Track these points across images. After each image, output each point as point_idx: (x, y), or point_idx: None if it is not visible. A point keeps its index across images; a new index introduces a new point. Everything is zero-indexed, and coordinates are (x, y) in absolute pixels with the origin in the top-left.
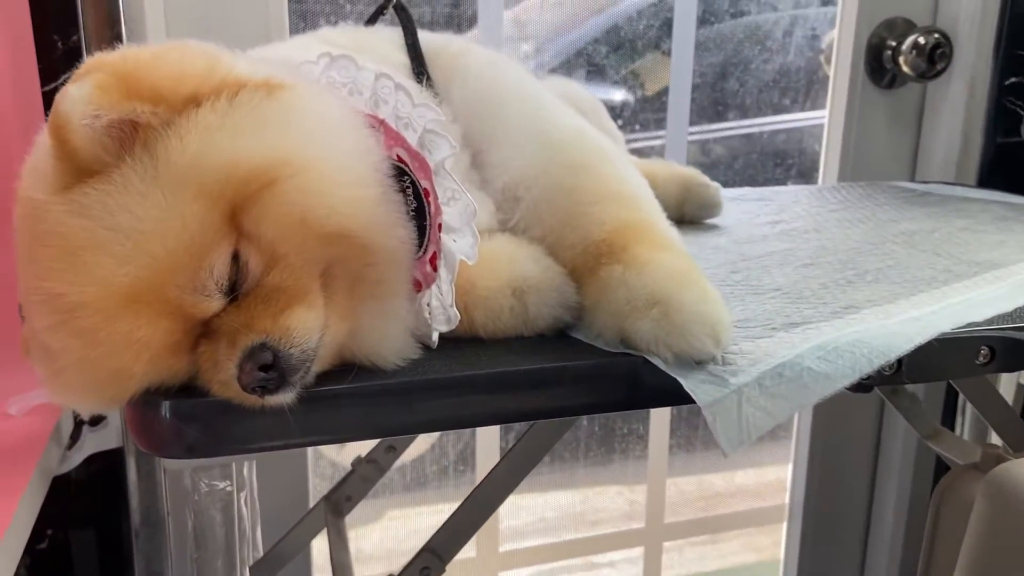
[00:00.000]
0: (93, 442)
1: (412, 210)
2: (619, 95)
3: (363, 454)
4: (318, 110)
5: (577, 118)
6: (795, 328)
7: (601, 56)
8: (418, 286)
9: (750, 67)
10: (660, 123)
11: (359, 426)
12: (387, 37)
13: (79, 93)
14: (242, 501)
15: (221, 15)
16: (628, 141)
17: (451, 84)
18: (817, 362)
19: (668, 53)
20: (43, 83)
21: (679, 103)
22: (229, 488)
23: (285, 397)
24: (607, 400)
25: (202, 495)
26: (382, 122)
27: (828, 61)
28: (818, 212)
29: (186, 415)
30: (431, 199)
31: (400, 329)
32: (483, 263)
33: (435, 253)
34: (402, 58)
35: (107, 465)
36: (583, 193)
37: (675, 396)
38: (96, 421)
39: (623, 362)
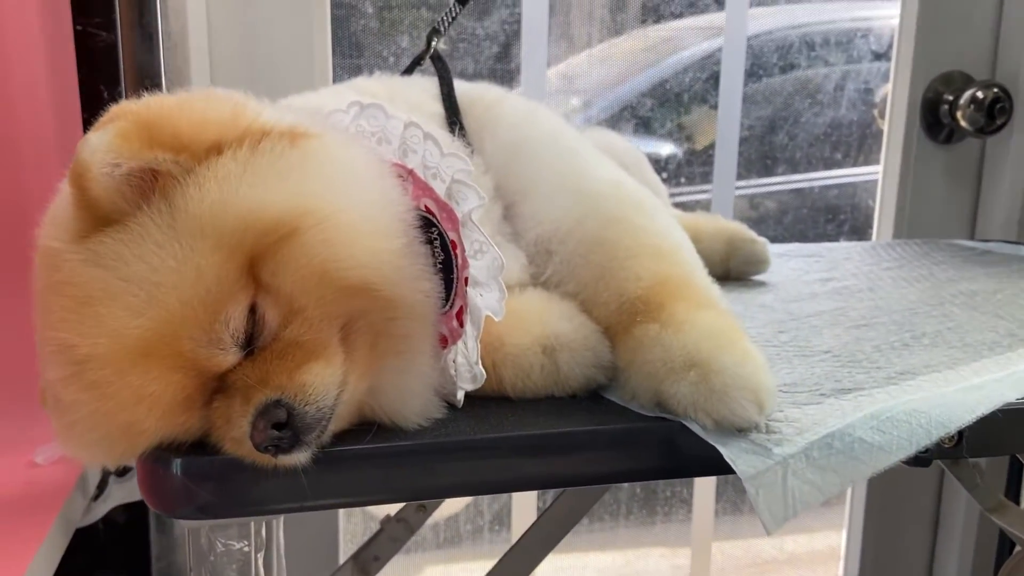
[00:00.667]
0: (119, 493)
1: (439, 263)
2: (666, 149)
3: (392, 512)
4: (342, 160)
5: (615, 169)
6: (846, 394)
7: (647, 110)
8: (444, 342)
9: (800, 121)
10: (707, 177)
11: (377, 489)
12: (422, 87)
13: (100, 141)
14: (260, 562)
15: (267, 67)
16: (674, 195)
17: (484, 134)
18: (870, 433)
19: (715, 107)
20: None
21: (726, 157)
22: (247, 548)
23: (299, 457)
24: (642, 467)
25: (218, 555)
26: (411, 172)
27: (882, 116)
28: (871, 270)
29: (197, 474)
30: (459, 252)
31: (423, 387)
32: (513, 319)
33: (462, 307)
34: (436, 108)
35: (133, 517)
36: (619, 247)
37: (715, 466)
38: (123, 472)
39: (659, 427)
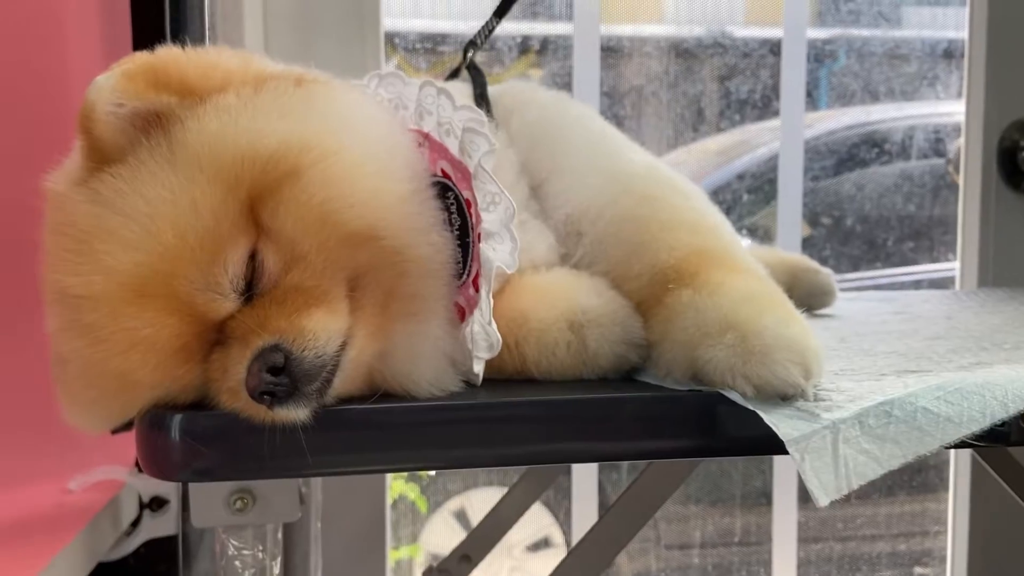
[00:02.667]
0: (151, 528)
1: (456, 228)
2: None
3: (435, 564)
4: (348, 102)
5: (647, 155)
6: (909, 375)
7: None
8: (462, 314)
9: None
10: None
11: (382, 455)
12: (457, 88)
13: (105, 82)
14: None
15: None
16: None
17: (511, 115)
18: (936, 403)
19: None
20: None
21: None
22: None
23: (297, 412)
24: (674, 445)
25: None
26: (427, 136)
27: (956, 169)
28: (950, 308)
29: (197, 432)
30: (473, 210)
31: (437, 352)
32: (538, 294)
33: (478, 272)
34: (466, 102)
35: (163, 552)
36: (652, 222)
37: (757, 441)
38: (159, 505)
39: (693, 397)
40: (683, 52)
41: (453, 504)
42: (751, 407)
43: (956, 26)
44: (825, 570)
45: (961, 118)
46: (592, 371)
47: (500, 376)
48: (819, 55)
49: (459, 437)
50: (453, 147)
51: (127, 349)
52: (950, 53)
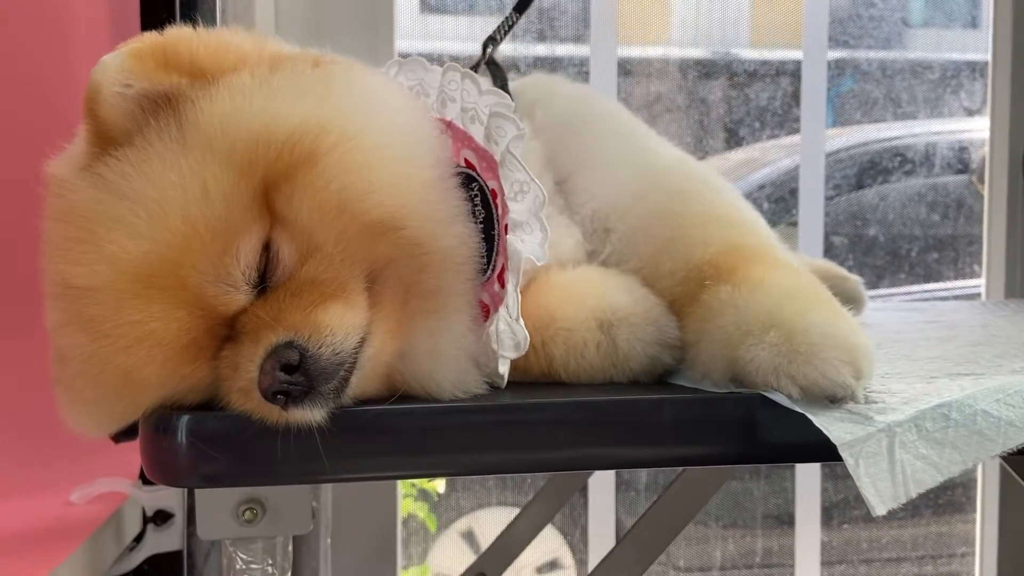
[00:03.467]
0: (155, 543)
1: (480, 220)
2: None
3: None
4: (368, 84)
5: (677, 149)
6: (962, 377)
7: None
8: (486, 311)
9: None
10: None
11: (404, 459)
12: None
13: (112, 61)
14: None
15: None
16: None
17: (535, 107)
18: (996, 406)
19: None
20: None
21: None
22: None
23: (313, 413)
24: (714, 450)
25: None
26: (449, 124)
27: (981, 180)
28: (983, 317)
29: (204, 435)
30: (499, 200)
31: (460, 353)
32: (565, 292)
33: (503, 267)
34: None
35: (167, 568)
36: (685, 217)
37: (804, 446)
38: (163, 519)
39: (735, 399)
40: (688, 72)
41: (461, 524)
42: (798, 409)
43: (962, 48)
44: None
45: (967, 135)
46: (623, 373)
47: (525, 378)
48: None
49: (485, 441)
50: (478, 134)
51: (132, 344)
52: (954, 73)
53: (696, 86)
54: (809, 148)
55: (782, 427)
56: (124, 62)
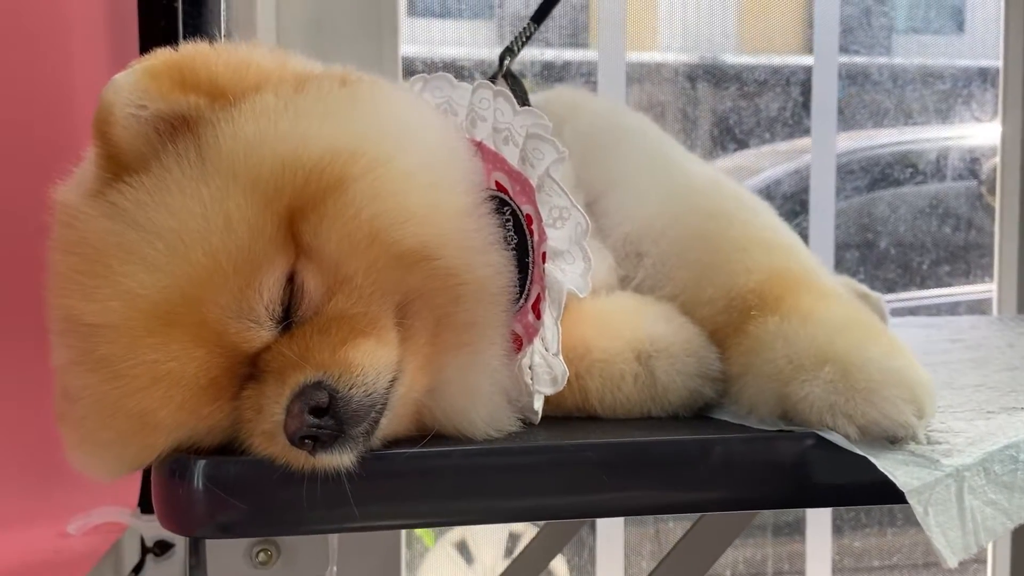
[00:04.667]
0: (156, 574)
1: (513, 247)
2: None
3: None
4: (399, 103)
5: (709, 166)
6: (1019, 412)
7: None
8: (518, 344)
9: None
10: None
11: (439, 505)
12: None
13: (125, 81)
14: None
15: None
16: None
17: (563, 125)
18: None
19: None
20: None
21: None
22: None
23: (342, 458)
24: (767, 494)
25: None
26: (479, 145)
27: (991, 191)
28: (1003, 334)
29: (223, 481)
30: (534, 226)
31: (493, 389)
32: (601, 321)
33: (539, 296)
34: None
35: None
36: (723, 240)
37: (864, 489)
38: (163, 550)
39: (787, 440)
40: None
41: (454, 535)
42: (858, 451)
43: (947, 54)
44: None
45: (959, 143)
46: (661, 407)
47: (558, 412)
48: (805, 84)
49: (527, 486)
50: (512, 156)
51: (148, 385)
52: (938, 78)
53: (689, 91)
54: (820, 154)
55: (838, 469)
56: (138, 81)
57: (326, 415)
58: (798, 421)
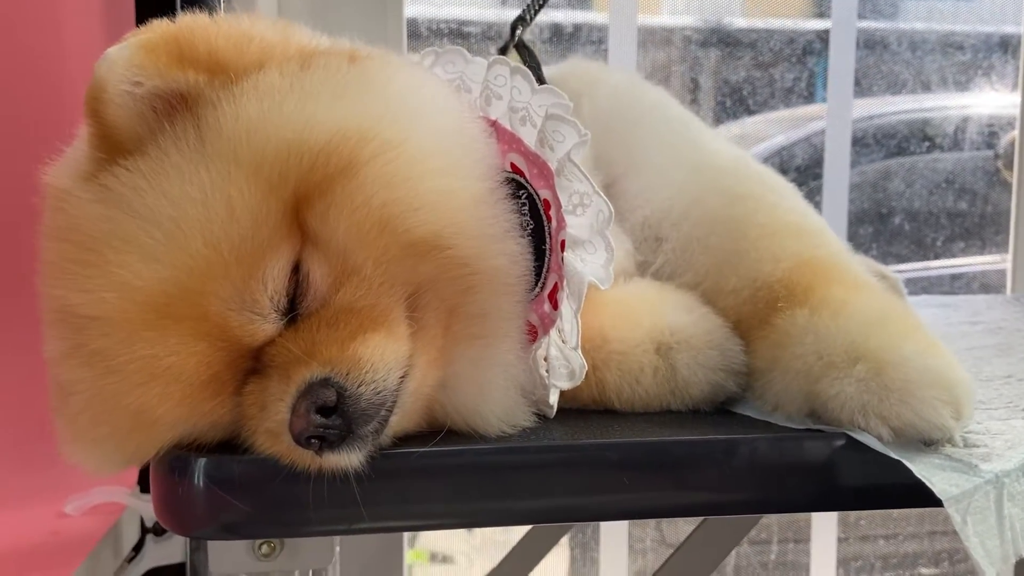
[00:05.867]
0: (156, 555)
1: (528, 233)
2: None
3: None
4: (411, 82)
5: (732, 145)
6: None
7: None
8: (533, 334)
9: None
10: None
11: (449, 507)
12: None
13: (119, 55)
14: None
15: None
16: None
17: (580, 100)
18: None
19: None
20: None
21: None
22: None
23: (351, 458)
24: (794, 496)
25: None
26: (494, 123)
27: (1008, 166)
28: (1020, 316)
29: (224, 480)
30: (552, 211)
31: (507, 383)
32: (619, 310)
33: (555, 285)
34: None
35: None
36: (748, 225)
37: (897, 493)
38: (163, 530)
39: (816, 441)
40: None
41: None
42: (892, 455)
43: (953, 19)
44: None
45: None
46: (681, 401)
47: (573, 405)
48: (811, 49)
49: (544, 486)
50: (529, 137)
51: (146, 381)
52: (958, 48)
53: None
54: (835, 121)
55: (869, 471)
56: (133, 56)
57: (334, 414)
58: (827, 420)
